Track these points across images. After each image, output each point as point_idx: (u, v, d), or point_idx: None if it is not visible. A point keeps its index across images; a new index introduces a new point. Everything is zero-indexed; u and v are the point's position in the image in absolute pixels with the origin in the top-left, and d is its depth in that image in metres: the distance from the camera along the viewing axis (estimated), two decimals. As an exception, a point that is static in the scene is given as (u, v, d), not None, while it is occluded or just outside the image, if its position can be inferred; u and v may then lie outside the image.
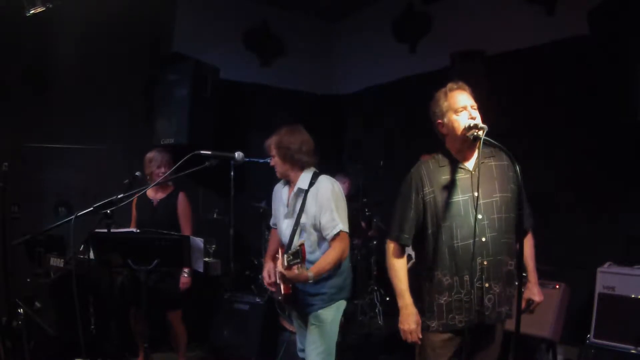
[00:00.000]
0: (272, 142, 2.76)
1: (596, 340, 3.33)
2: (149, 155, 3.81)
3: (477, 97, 2.25)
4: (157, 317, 3.70)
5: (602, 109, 3.81)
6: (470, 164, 2.25)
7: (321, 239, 2.69)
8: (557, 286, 3.55)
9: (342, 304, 2.76)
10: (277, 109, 5.65)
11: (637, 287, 3.29)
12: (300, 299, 2.72)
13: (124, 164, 4.50)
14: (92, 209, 2.35)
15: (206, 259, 3.73)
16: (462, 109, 2.18)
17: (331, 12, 6.31)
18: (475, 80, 2.35)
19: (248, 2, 5.85)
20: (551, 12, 4.30)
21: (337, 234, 2.60)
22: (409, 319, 2.25)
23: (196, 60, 4.88)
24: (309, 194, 2.69)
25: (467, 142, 2.17)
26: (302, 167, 2.74)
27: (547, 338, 3.46)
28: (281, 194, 2.87)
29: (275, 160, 2.78)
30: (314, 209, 2.65)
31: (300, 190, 2.72)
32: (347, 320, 4.42)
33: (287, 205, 2.80)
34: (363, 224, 5.31)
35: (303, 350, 2.81)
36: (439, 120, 2.26)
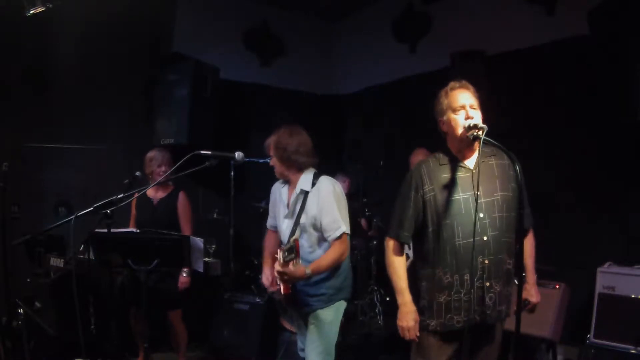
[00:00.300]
0: (271, 142, 2.76)
1: (596, 340, 3.33)
2: (150, 154, 3.83)
3: (478, 97, 2.25)
4: (157, 317, 3.70)
5: (602, 109, 3.81)
6: (470, 163, 2.25)
7: (322, 238, 2.69)
8: (557, 286, 3.55)
9: (341, 305, 2.76)
10: (277, 109, 5.64)
11: (637, 287, 3.29)
12: (300, 299, 2.72)
13: (124, 164, 4.50)
14: (92, 209, 2.35)
15: (206, 259, 3.71)
16: (460, 108, 2.19)
17: (331, 12, 6.31)
18: (475, 80, 2.33)
19: (248, 2, 5.85)
20: (551, 12, 4.30)
21: (339, 237, 2.61)
22: (408, 316, 2.25)
23: (196, 60, 4.88)
24: (310, 195, 2.69)
25: (467, 141, 2.17)
26: (299, 168, 2.74)
27: (547, 338, 3.46)
28: (280, 193, 2.87)
29: (274, 161, 2.78)
30: (315, 209, 2.65)
31: (302, 191, 2.71)
32: (347, 320, 4.41)
33: (288, 206, 2.79)
34: (363, 224, 5.31)
35: (304, 350, 2.81)
36: (440, 119, 2.28)
